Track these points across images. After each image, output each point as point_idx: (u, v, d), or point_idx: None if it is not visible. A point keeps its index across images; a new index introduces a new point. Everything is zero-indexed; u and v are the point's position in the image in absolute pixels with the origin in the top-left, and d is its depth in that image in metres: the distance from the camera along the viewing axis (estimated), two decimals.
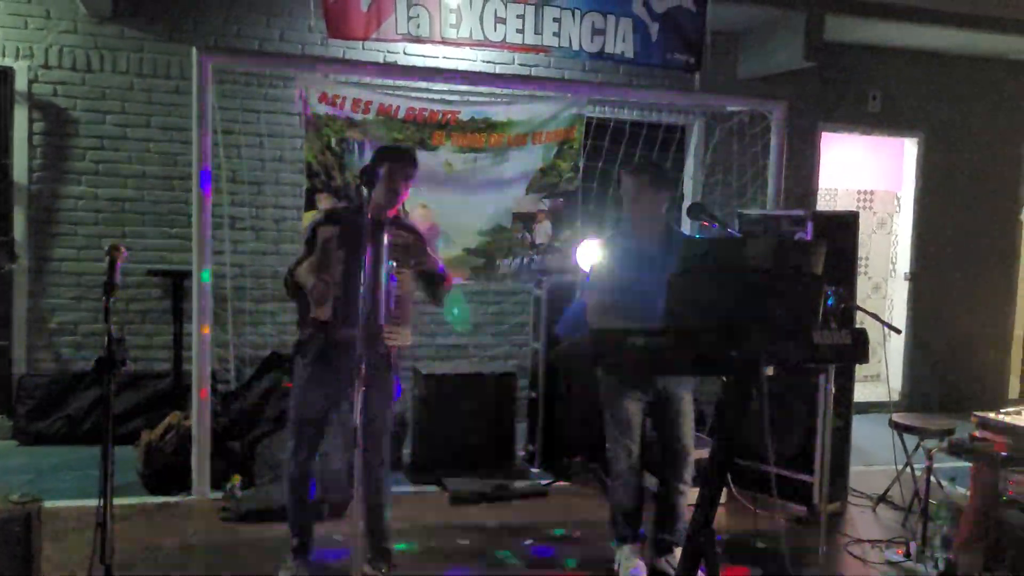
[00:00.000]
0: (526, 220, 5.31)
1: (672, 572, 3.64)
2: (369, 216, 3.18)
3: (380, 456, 3.51)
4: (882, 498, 4.86)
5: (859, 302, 4.39)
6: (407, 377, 5.76)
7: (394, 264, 3.29)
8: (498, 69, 6.33)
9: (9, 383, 5.74)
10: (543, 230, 5.36)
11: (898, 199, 8.09)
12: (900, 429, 4.65)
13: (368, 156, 4.81)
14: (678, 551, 3.75)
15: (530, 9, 5.01)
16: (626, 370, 3.40)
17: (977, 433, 3.92)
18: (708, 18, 5.41)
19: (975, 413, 3.98)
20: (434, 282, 3.57)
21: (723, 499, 4.46)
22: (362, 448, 2.84)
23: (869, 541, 4.28)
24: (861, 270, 8.22)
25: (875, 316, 3.80)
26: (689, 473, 3.73)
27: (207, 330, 4.56)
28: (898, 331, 4.03)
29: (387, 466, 3.61)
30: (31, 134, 5.69)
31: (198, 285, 4.55)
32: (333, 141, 4.81)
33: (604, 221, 5.41)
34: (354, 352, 2.89)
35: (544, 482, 5.01)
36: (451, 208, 5.19)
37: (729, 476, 4.51)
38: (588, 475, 5.13)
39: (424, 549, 3.98)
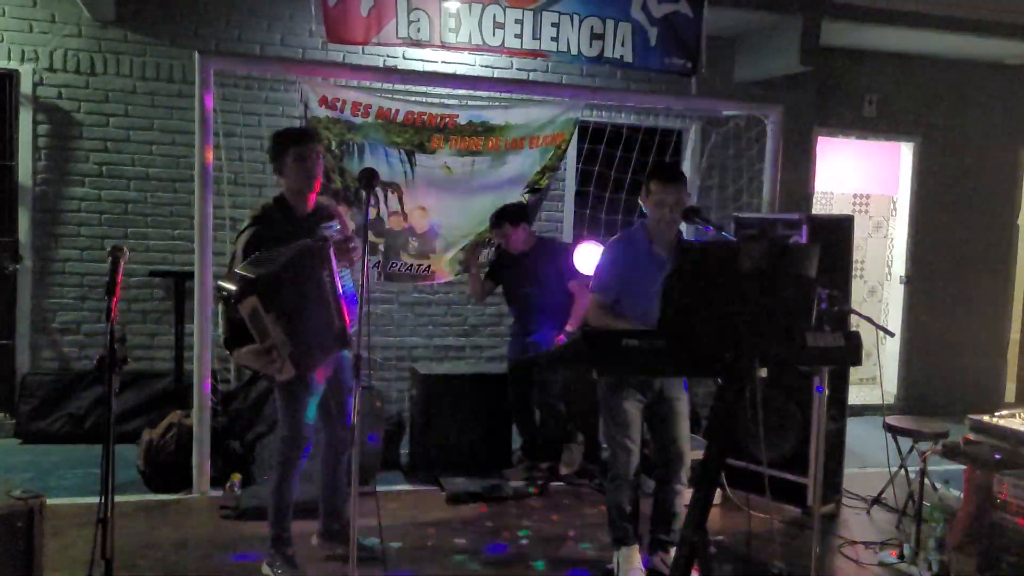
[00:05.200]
0: None
1: (667, 571, 3.68)
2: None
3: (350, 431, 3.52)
4: (876, 500, 4.88)
5: (855, 305, 4.41)
6: (405, 377, 5.79)
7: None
8: (496, 74, 6.38)
9: (12, 382, 5.78)
10: None
11: (894, 203, 8.13)
12: (894, 432, 4.67)
13: (368, 160, 4.86)
14: (673, 550, 3.79)
15: (528, 14, 5.06)
16: (621, 372, 3.45)
17: (971, 436, 3.96)
18: (705, 23, 5.46)
19: (969, 416, 4.01)
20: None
21: (717, 500, 4.49)
22: (359, 446, 2.85)
23: (863, 543, 4.30)
24: (857, 274, 8.27)
25: (868, 319, 3.83)
26: (686, 474, 3.75)
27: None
28: (891, 334, 4.06)
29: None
30: (35, 136, 5.74)
31: (200, 288, 4.59)
32: (333, 144, 4.85)
33: (602, 225, 5.44)
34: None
35: (540, 482, 5.05)
36: (449, 211, 5.24)
37: (723, 477, 4.56)
38: (583, 475, 5.17)
39: (421, 548, 4.02)
